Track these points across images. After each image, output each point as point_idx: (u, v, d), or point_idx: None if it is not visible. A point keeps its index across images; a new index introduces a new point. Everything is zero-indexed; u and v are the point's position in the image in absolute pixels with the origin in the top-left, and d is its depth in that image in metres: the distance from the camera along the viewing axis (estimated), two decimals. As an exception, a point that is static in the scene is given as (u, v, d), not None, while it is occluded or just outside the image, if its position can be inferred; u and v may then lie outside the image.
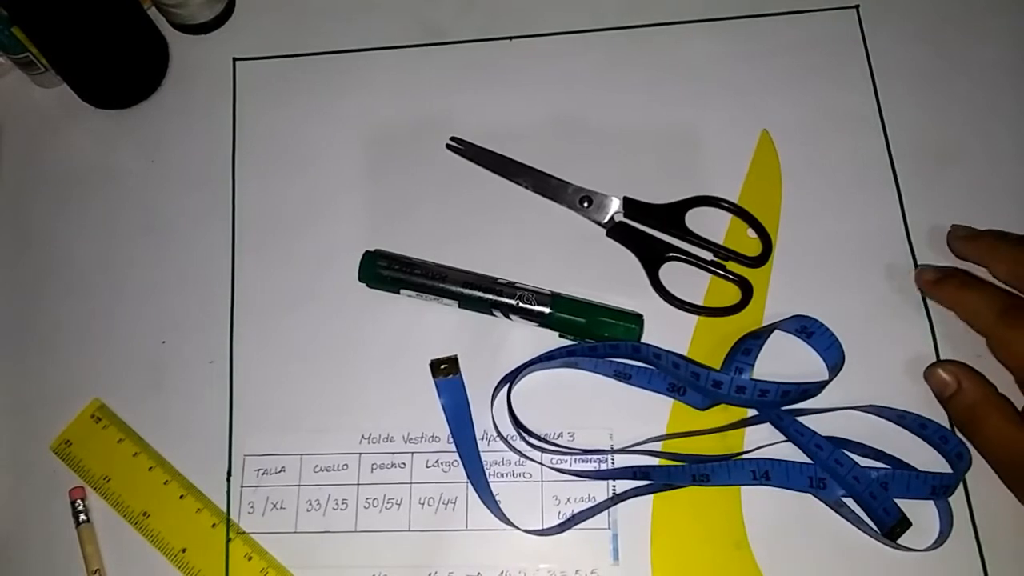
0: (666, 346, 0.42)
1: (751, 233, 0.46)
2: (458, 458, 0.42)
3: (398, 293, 0.45)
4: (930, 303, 0.44)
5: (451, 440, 0.43)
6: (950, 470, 0.40)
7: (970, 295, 0.41)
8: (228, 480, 0.43)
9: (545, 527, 0.41)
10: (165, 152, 0.50)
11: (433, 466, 0.43)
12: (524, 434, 0.42)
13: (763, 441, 0.42)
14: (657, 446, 0.42)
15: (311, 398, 0.45)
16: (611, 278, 0.45)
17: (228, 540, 0.42)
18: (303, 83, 0.51)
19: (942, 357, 0.43)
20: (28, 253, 0.49)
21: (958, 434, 0.40)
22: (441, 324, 0.45)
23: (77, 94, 0.51)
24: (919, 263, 0.45)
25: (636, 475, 0.41)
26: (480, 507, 0.42)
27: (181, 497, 0.43)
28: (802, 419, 0.41)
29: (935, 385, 0.41)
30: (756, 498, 0.41)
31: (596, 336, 0.43)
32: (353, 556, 0.42)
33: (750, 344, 0.42)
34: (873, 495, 0.39)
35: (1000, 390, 0.40)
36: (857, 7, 0.50)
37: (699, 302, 0.45)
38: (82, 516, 0.43)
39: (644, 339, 0.43)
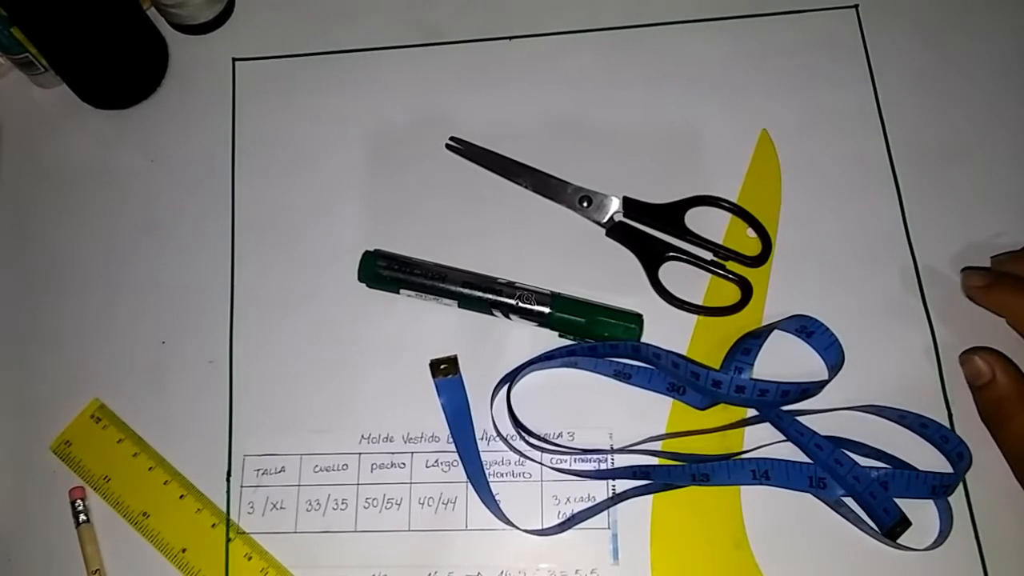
0: (666, 346, 0.42)
1: (751, 233, 0.46)
2: (458, 458, 0.42)
3: (398, 293, 0.45)
4: (930, 302, 0.44)
5: (451, 440, 0.43)
6: (950, 469, 0.40)
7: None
8: (228, 480, 0.43)
9: (545, 527, 0.41)
10: (165, 152, 0.50)
11: (433, 466, 0.43)
12: (524, 434, 0.42)
13: (763, 441, 0.42)
14: (657, 446, 0.42)
15: (311, 398, 0.45)
16: (611, 278, 0.45)
17: (228, 540, 0.42)
18: (303, 83, 0.51)
19: (942, 356, 0.43)
20: (28, 253, 0.49)
21: (959, 432, 0.41)
22: (441, 324, 0.45)
23: (77, 94, 0.51)
24: (919, 263, 0.44)
25: (636, 475, 0.41)
26: (480, 507, 0.42)
27: (181, 497, 0.43)
28: (802, 419, 0.41)
29: (969, 371, 0.41)
30: (756, 498, 0.41)
31: (596, 336, 0.43)
32: (353, 556, 0.42)
33: (750, 344, 0.42)
34: (873, 495, 0.39)
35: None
36: (856, 7, 0.50)
37: (699, 302, 0.45)
38: (82, 516, 0.43)
39: (644, 339, 0.43)
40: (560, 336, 0.44)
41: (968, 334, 0.43)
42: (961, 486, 0.41)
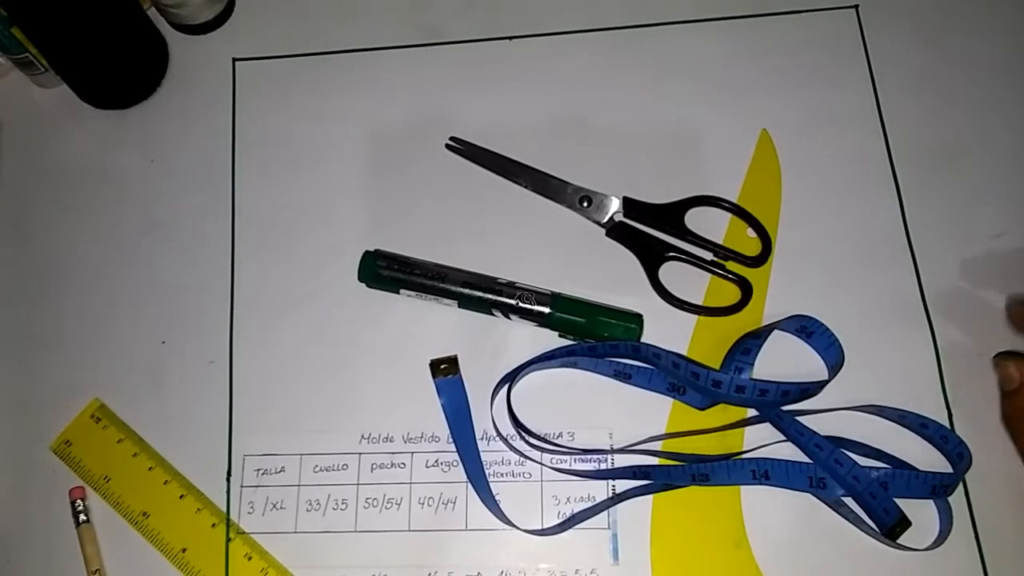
0: (666, 346, 0.42)
1: (751, 233, 0.46)
2: (458, 458, 0.42)
3: (398, 293, 0.45)
4: (930, 302, 0.44)
5: (451, 440, 0.43)
6: (950, 470, 0.40)
7: None
8: (228, 480, 0.43)
9: (545, 527, 0.41)
10: (165, 152, 0.50)
11: (433, 466, 0.43)
12: (524, 434, 0.42)
13: (763, 441, 0.42)
14: (657, 446, 0.42)
15: (311, 398, 0.45)
16: (611, 278, 0.45)
17: (228, 540, 0.42)
18: (303, 83, 0.51)
19: (942, 356, 0.43)
20: (28, 253, 0.49)
21: (959, 432, 0.41)
22: (441, 324, 0.45)
23: (77, 94, 0.51)
24: (919, 263, 0.44)
25: (636, 475, 0.41)
26: (480, 507, 0.42)
27: (181, 497, 0.43)
28: (802, 419, 0.41)
29: (1000, 375, 0.41)
30: (756, 498, 0.41)
31: (596, 336, 0.43)
32: (353, 556, 0.42)
33: (750, 344, 0.42)
34: (873, 495, 0.39)
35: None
36: (857, 7, 0.50)
37: (699, 302, 0.45)
38: (82, 516, 0.43)
39: (644, 339, 0.43)
40: (560, 336, 0.44)
41: (968, 334, 0.43)
42: (961, 486, 0.41)
